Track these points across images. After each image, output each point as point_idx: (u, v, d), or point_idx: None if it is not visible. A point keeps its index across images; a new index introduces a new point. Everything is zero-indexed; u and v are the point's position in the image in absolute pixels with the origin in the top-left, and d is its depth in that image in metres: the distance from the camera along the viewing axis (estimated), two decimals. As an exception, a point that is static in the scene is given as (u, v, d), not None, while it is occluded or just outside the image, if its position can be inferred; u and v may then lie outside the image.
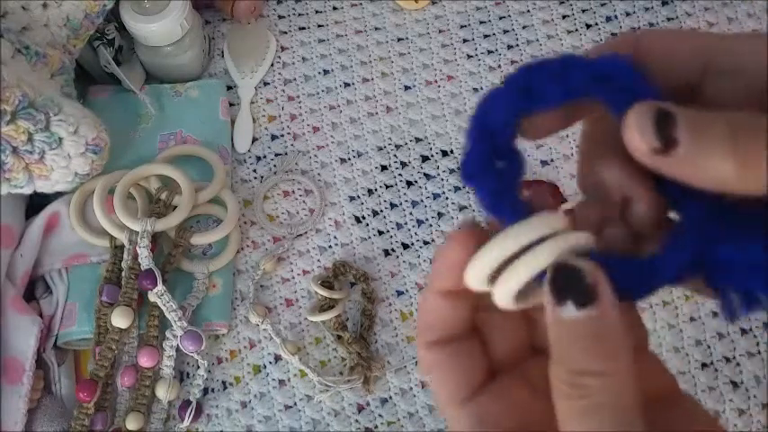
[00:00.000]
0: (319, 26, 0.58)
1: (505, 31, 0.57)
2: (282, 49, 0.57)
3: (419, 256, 0.50)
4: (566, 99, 0.19)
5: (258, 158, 0.53)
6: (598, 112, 0.21)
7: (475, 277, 0.19)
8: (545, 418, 0.18)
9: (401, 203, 0.51)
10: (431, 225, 0.51)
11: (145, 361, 0.44)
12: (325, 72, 0.56)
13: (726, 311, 0.17)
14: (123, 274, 0.46)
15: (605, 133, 0.21)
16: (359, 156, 0.53)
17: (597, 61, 0.19)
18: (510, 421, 0.20)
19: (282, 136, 0.54)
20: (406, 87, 0.55)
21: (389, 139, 0.53)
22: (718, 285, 0.17)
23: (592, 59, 0.19)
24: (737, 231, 0.18)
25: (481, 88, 0.55)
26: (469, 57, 0.56)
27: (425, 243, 0.50)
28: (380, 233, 0.50)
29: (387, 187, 0.52)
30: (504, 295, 0.18)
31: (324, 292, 0.46)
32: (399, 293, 0.49)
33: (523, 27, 0.58)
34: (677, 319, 0.48)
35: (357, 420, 0.46)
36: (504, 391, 0.20)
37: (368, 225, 0.51)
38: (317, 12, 0.58)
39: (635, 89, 0.19)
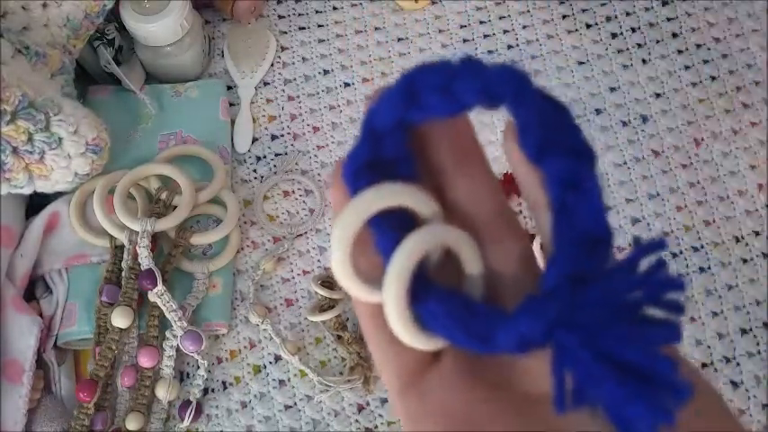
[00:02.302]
0: (319, 26, 0.58)
1: (505, 31, 0.57)
2: (282, 49, 0.57)
3: (419, 256, 0.50)
4: (452, 112, 0.17)
5: (258, 158, 0.53)
6: None
7: (338, 269, 0.17)
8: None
9: (401, 203, 0.51)
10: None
11: (145, 361, 0.44)
12: (325, 72, 0.56)
13: (555, 397, 0.15)
14: (123, 274, 0.46)
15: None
16: (359, 156, 0.53)
17: (486, 73, 0.17)
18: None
19: (282, 136, 0.54)
20: (406, 87, 0.55)
21: (389, 139, 0.53)
22: (556, 369, 0.15)
23: (483, 69, 0.17)
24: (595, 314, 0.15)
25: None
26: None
27: (425, 243, 0.50)
28: (380, 233, 0.50)
29: (387, 187, 0.52)
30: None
31: (324, 292, 0.46)
32: (399, 293, 0.49)
33: (523, 27, 0.58)
34: (677, 319, 0.48)
35: (357, 420, 0.46)
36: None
37: (368, 225, 0.51)
38: (317, 12, 0.58)
39: (526, 104, 0.17)
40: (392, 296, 0.17)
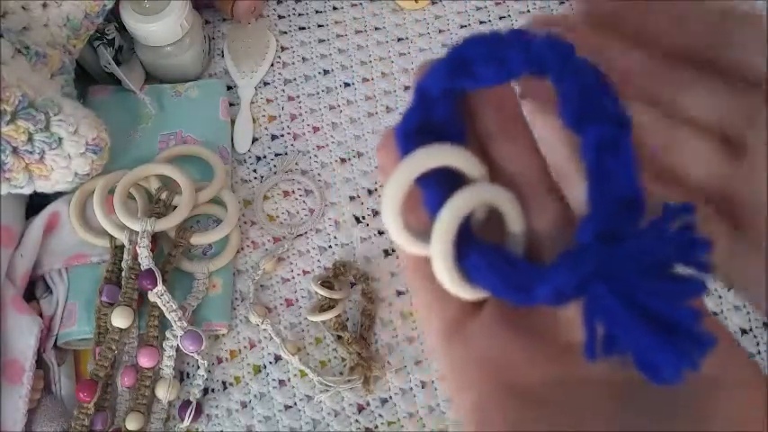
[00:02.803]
0: (319, 26, 0.58)
1: (505, 31, 0.57)
2: (282, 49, 0.57)
3: (419, 256, 0.50)
4: (502, 80, 0.18)
5: (258, 158, 0.53)
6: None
7: (389, 222, 0.18)
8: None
9: (401, 203, 0.51)
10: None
11: (145, 361, 0.44)
12: (325, 72, 0.56)
13: (586, 345, 0.16)
14: (123, 274, 0.46)
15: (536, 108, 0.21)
16: (359, 156, 0.53)
17: (535, 44, 0.18)
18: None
19: (282, 136, 0.54)
20: (406, 87, 0.55)
21: (389, 139, 0.53)
22: (587, 319, 0.16)
23: (531, 39, 0.18)
24: (627, 269, 0.16)
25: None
26: (469, 57, 0.56)
27: (425, 243, 0.50)
28: (380, 233, 0.50)
29: (387, 187, 0.52)
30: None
31: (324, 292, 0.46)
32: (399, 293, 0.49)
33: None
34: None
35: (357, 420, 0.46)
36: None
37: (368, 225, 0.51)
38: (317, 12, 0.58)
39: (571, 75, 0.18)
40: (439, 249, 0.18)
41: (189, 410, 0.44)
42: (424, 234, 0.19)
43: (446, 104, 0.19)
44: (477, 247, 0.18)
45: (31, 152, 0.41)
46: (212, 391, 0.46)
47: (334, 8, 0.58)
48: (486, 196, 0.18)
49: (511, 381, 0.18)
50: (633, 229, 0.17)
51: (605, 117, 0.18)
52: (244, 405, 0.46)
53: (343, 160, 0.53)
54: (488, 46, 0.18)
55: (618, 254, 0.16)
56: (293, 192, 0.52)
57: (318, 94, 0.55)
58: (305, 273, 0.49)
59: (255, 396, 0.46)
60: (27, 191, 0.44)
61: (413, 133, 0.19)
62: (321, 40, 0.57)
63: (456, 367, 0.19)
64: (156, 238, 0.47)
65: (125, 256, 0.46)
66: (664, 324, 0.16)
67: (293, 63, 0.56)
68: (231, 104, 0.54)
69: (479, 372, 0.19)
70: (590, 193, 0.17)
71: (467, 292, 0.18)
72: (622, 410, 0.17)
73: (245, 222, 0.51)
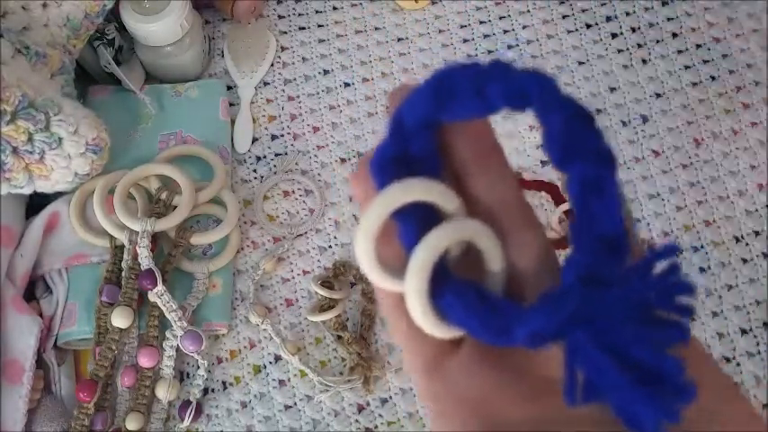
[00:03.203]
0: (319, 26, 0.58)
1: (505, 31, 0.57)
2: (282, 49, 0.57)
3: (419, 256, 0.50)
4: (482, 114, 0.18)
5: (258, 158, 0.53)
6: None
7: (362, 259, 0.18)
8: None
9: (401, 203, 0.51)
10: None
11: (145, 361, 0.44)
12: (325, 72, 0.56)
13: (566, 391, 0.16)
14: (123, 274, 0.46)
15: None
16: (359, 156, 0.53)
17: (515, 77, 0.17)
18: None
19: (282, 136, 0.54)
20: (406, 87, 0.55)
21: (389, 139, 0.53)
22: (568, 364, 0.16)
23: (512, 73, 0.18)
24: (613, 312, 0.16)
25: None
26: (469, 57, 0.56)
27: (425, 243, 0.50)
28: (380, 233, 0.50)
29: (387, 187, 0.52)
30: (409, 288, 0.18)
31: (324, 292, 0.46)
32: (399, 293, 0.49)
33: (523, 27, 0.58)
34: (677, 319, 0.48)
35: (357, 420, 0.46)
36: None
37: (368, 225, 0.51)
38: (317, 12, 0.58)
39: (553, 109, 0.17)
40: (413, 288, 0.17)
41: (189, 410, 0.44)
42: (398, 270, 0.18)
43: (423, 136, 0.19)
44: (452, 285, 0.18)
45: (31, 152, 0.41)
46: (212, 391, 0.46)
47: (334, 8, 0.58)
48: (464, 233, 0.18)
49: (492, 418, 0.18)
50: (616, 271, 0.17)
51: (590, 154, 0.17)
52: (244, 405, 0.46)
53: (343, 160, 0.53)
54: (468, 77, 0.18)
55: (600, 297, 0.16)
56: (293, 192, 0.52)
57: (318, 94, 0.55)
58: (305, 273, 0.49)
59: (255, 396, 0.46)
60: (27, 191, 0.44)
61: (388, 165, 0.18)
62: (321, 40, 0.57)
63: (437, 402, 0.19)
64: (156, 238, 0.47)
65: (125, 256, 0.46)
66: (646, 373, 0.15)
67: (293, 63, 0.56)
68: (231, 104, 0.54)
69: (460, 409, 0.18)
70: (574, 232, 0.17)
71: (442, 332, 0.18)
72: None
73: (245, 222, 0.51)
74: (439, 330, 0.18)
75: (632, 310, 0.16)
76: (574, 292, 0.16)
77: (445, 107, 0.18)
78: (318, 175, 0.52)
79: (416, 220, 0.18)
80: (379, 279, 0.18)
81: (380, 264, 0.18)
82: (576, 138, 0.17)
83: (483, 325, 0.17)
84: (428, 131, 0.19)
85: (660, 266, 0.17)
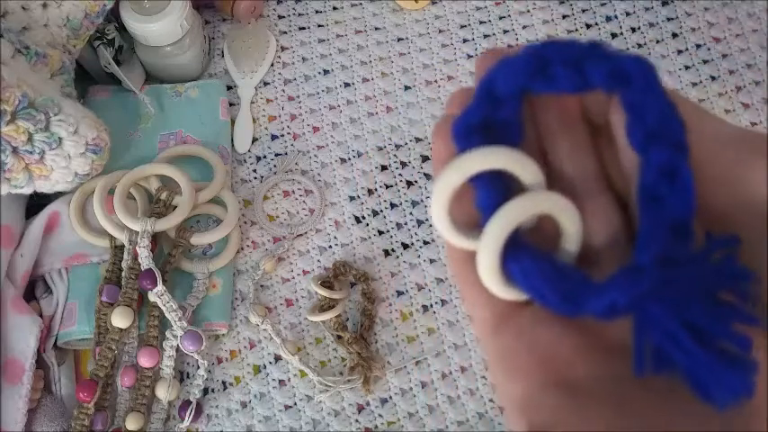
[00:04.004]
0: (319, 26, 0.58)
1: (505, 31, 0.57)
2: (282, 49, 0.57)
3: (419, 256, 0.50)
4: (578, 89, 0.18)
5: (258, 158, 0.53)
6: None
7: (436, 217, 0.18)
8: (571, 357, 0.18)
9: (401, 203, 0.51)
10: (431, 225, 0.51)
11: (145, 361, 0.44)
12: (325, 72, 0.56)
13: (636, 362, 0.17)
14: (123, 274, 0.46)
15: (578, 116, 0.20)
16: (359, 156, 0.53)
17: (618, 58, 0.18)
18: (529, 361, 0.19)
19: (282, 136, 0.54)
20: (406, 87, 0.55)
21: (389, 139, 0.53)
22: (638, 335, 0.17)
23: (613, 53, 0.18)
24: (685, 292, 0.17)
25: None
26: (469, 57, 0.56)
27: (425, 243, 0.50)
28: (380, 233, 0.50)
29: (387, 187, 0.52)
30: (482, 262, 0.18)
31: (324, 292, 0.46)
32: (399, 293, 0.49)
33: (523, 27, 0.58)
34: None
35: (357, 420, 0.46)
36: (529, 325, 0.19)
37: (368, 225, 0.51)
38: (317, 12, 0.58)
39: (651, 94, 0.18)
40: (487, 254, 0.18)
41: (189, 410, 0.44)
42: (470, 229, 0.19)
43: (512, 104, 0.19)
44: (528, 251, 0.18)
45: (31, 152, 0.41)
46: (212, 391, 0.46)
47: (334, 8, 0.58)
48: (546, 207, 0.18)
49: (561, 373, 0.18)
50: (685, 254, 0.17)
51: (673, 143, 0.18)
52: (244, 405, 0.46)
53: (343, 160, 0.53)
54: (569, 52, 0.18)
55: (672, 277, 0.17)
56: (293, 192, 0.52)
57: (318, 94, 0.55)
58: (305, 273, 0.49)
59: (255, 396, 0.46)
60: (27, 191, 0.44)
61: (473, 130, 0.19)
62: (321, 40, 0.57)
63: (505, 357, 0.19)
64: (156, 238, 0.47)
65: (125, 256, 0.46)
66: (717, 348, 0.16)
67: (293, 63, 0.56)
68: (231, 104, 0.54)
69: (530, 362, 0.18)
70: (645, 214, 0.18)
71: (509, 294, 0.18)
72: (669, 410, 0.17)
73: (245, 222, 0.51)
74: (506, 293, 0.18)
75: (702, 289, 0.17)
76: (649, 270, 0.17)
77: (542, 78, 0.18)
78: (318, 175, 0.52)
79: (495, 187, 0.18)
80: (452, 237, 0.19)
81: (453, 221, 0.18)
82: (665, 125, 0.18)
83: (556, 293, 0.17)
84: (517, 100, 0.19)
85: (719, 254, 0.17)
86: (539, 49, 0.18)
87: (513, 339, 0.19)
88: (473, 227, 0.19)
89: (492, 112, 0.19)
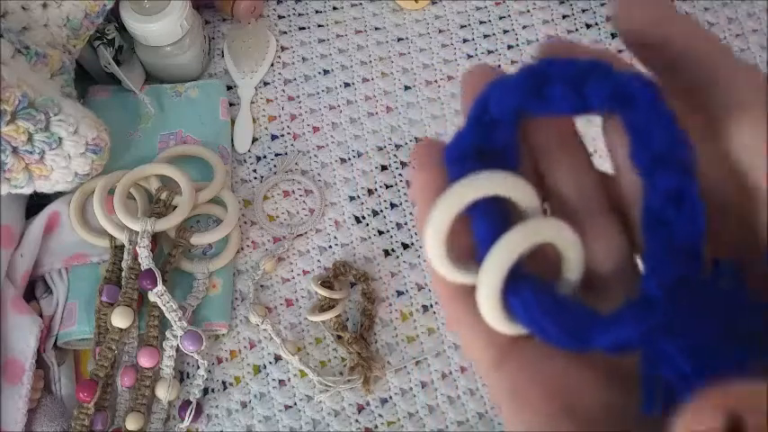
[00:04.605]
0: (319, 26, 0.58)
1: (505, 31, 0.57)
2: (282, 49, 0.57)
3: (419, 256, 0.50)
4: (576, 112, 0.17)
5: (258, 158, 0.53)
6: None
7: (434, 252, 0.17)
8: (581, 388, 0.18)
9: (401, 203, 0.51)
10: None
11: (145, 361, 0.44)
12: (325, 72, 0.56)
13: (646, 401, 0.16)
14: (123, 274, 0.46)
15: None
16: (359, 156, 0.53)
17: (621, 77, 0.17)
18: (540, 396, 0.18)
19: (282, 136, 0.54)
20: (406, 87, 0.55)
21: (389, 139, 0.53)
22: (647, 373, 0.16)
23: (616, 73, 0.17)
24: (699, 323, 0.16)
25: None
26: (469, 57, 0.56)
27: (425, 243, 0.50)
28: (380, 233, 0.50)
29: (387, 187, 0.52)
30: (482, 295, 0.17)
31: (324, 292, 0.46)
32: (399, 293, 0.49)
33: (523, 27, 0.58)
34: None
35: (357, 420, 0.46)
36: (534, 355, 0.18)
37: (368, 225, 0.51)
38: (317, 12, 0.58)
39: (656, 117, 0.17)
40: (488, 289, 0.17)
41: (189, 410, 0.44)
42: (465, 262, 0.18)
43: (507, 127, 0.18)
44: (529, 284, 0.17)
45: (31, 152, 0.41)
46: (212, 391, 0.46)
47: (334, 8, 0.58)
48: (547, 236, 0.17)
49: (571, 404, 0.17)
50: (696, 283, 0.16)
51: (680, 165, 0.17)
52: (244, 405, 0.46)
53: (343, 160, 0.53)
54: (567, 72, 0.17)
55: (684, 310, 0.16)
56: (293, 192, 0.52)
57: (318, 94, 0.55)
58: (305, 273, 0.49)
59: (255, 396, 0.46)
60: (27, 191, 0.44)
61: (467, 156, 0.18)
62: (321, 40, 0.57)
63: (512, 391, 0.18)
64: (156, 238, 0.47)
65: (125, 256, 0.46)
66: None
67: (293, 63, 0.56)
68: (231, 104, 0.54)
69: (539, 395, 0.18)
70: (652, 239, 0.17)
71: (509, 329, 0.18)
72: None
73: (245, 222, 0.51)
74: (508, 328, 0.18)
75: (716, 323, 0.16)
76: (660, 301, 0.16)
77: (539, 99, 0.17)
78: (318, 175, 0.52)
79: (493, 216, 0.17)
80: (448, 273, 0.18)
81: (450, 257, 0.17)
82: (672, 149, 0.17)
83: (561, 329, 0.17)
84: (513, 122, 0.18)
85: (726, 280, 0.16)
86: (536, 68, 0.17)
87: (519, 373, 0.18)
88: (467, 259, 0.18)
89: (486, 136, 0.18)
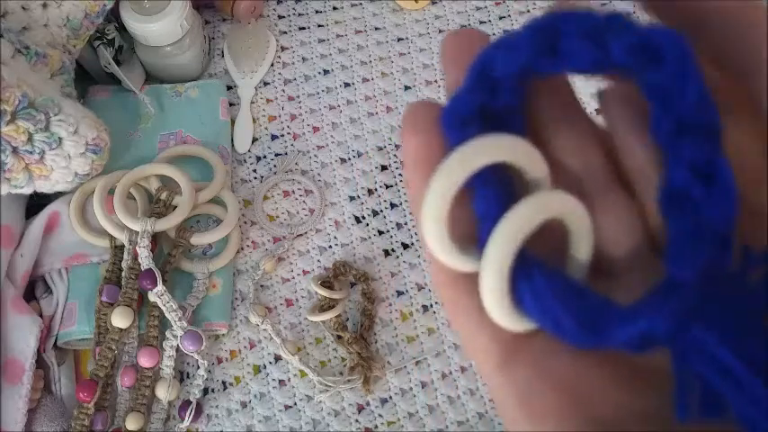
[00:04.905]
0: (319, 26, 0.58)
1: (505, 31, 0.57)
2: (282, 49, 0.57)
3: (419, 256, 0.50)
4: (597, 68, 0.15)
5: (258, 158, 0.53)
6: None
7: (433, 232, 0.15)
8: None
9: (401, 203, 0.51)
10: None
11: (145, 361, 0.44)
12: (325, 72, 0.56)
13: (679, 405, 0.13)
14: (123, 274, 0.46)
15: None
16: (359, 156, 0.53)
17: (646, 30, 0.15)
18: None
19: (282, 136, 0.54)
20: (406, 87, 0.55)
21: (389, 139, 0.53)
22: (680, 370, 0.14)
23: (639, 26, 0.15)
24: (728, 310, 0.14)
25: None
26: (469, 57, 0.56)
27: (425, 243, 0.50)
28: (380, 233, 0.51)
29: (387, 187, 0.52)
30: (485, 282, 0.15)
31: (324, 292, 0.46)
32: (399, 293, 0.49)
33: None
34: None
35: (357, 420, 0.46)
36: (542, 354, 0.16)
37: (368, 225, 0.51)
38: (317, 12, 0.58)
39: (685, 76, 0.14)
40: (493, 276, 0.14)
41: (189, 410, 0.44)
42: (467, 245, 0.15)
43: (513, 88, 0.15)
44: (539, 268, 0.15)
45: (31, 152, 0.41)
46: (212, 391, 0.46)
47: (334, 8, 0.58)
48: (556, 211, 0.15)
49: (589, 408, 0.15)
50: (727, 270, 0.14)
51: (711, 134, 0.14)
52: (244, 405, 0.46)
53: (343, 160, 0.53)
54: (585, 24, 0.15)
55: (720, 297, 0.14)
56: (293, 192, 0.52)
57: (318, 94, 0.55)
58: (305, 273, 0.49)
59: (255, 396, 0.46)
60: (27, 191, 0.44)
61: (469, 120, 0.15)
62: (321, 40, 0.57)
63: (523, 396, 0.16)
64: (156, 238, 0.47)
65: (125, 256, 0.46)
66: None
67: (293, 63, 0.56)
68: (231, 104, 0.54)
69: (553, 398, 0.15)
70: (678, 220, 0.15)
71: (518, 324, 0.15)
72: None
73: (245, 222, 0.51)
74: (515, 322, 0.15)
75: (754, 313, 0.14)
76: (689, 287, 0.14)
77: (552, 57, 0.15)
78: (318, 175, 0.52)
79: (496, 189, 0.15)
80: (449, 258, 0.15)
81: (452, 240, 0.15)
82: (701, 115, 0.14)
83: (576, 321, 0.14)
84: (520, 83, 0.15)
85: (757, 271, 0.14)
86: (546, 22, 0.15)
87: (531, 372, 0.16)
88: (467, 241, 0.15)
89: (489, 98, 0.15)
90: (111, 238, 0.46)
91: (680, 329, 0.14)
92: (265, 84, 0.55)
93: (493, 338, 0.16)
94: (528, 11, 0.58)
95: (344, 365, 0.47)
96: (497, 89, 0.15)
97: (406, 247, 0.50)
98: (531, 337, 0.16)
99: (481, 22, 0.58)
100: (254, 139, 0.53)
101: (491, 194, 0.15)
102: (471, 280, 0.15)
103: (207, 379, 0.46)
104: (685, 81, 0.14)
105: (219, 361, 0.47)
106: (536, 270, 0.15)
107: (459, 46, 0.16)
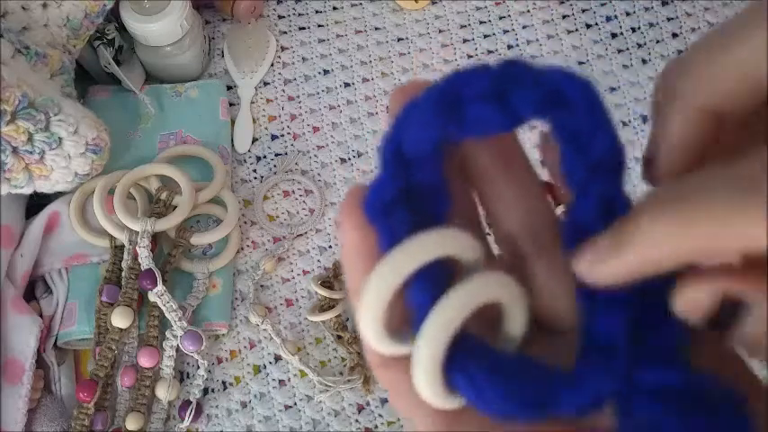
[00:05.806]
0: (319, 26, 0.58)
1: (505, 31, 0.57)
2: (282, 49, 0.57)
3: (419, 256, 0.50)
4: (504, 127, 0.14)
5: (258, 158, 0.53)
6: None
7: (372, 330, 0.15)
8: None
9: (401, 203, 0.51)
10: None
11: (145, 361, 0.44)
12: (326, 72, 0.56)
13: None
14: (123, 274, 0.46)
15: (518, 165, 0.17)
16: (359, 156, 0.53)
17: (547, 75, 0.14)
18: None
19: (282, 136, 0.54)
20: (406, 87, 0.55)
21: (389, 139, 0.53)
22: (626, 415, 0.14)
23: (538, 71, 0.14)
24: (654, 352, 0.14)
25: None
26: (469, 57, 0.56)
27: (425, 243, 0.50)
28: (380, 233, 0.50)
29: (387, 187, 0.52)
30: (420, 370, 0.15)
31: (324, 292, 0.46)
32: (399, 293, 0.49)
33: (523, 27, 0.58)
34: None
35: (357, 420, 0.46)
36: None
37: (368, 225, 0.51)
38: (317, 12, 0.58)
39: (595, 119, 0.14)
40: (425, 364, 0.15)
41: (189, 410, 0.44)
42: (400, 331, 0.15)
43: (427, 163, 0.15)
44: (474, 355, 0.15)
45: (31, 152, 0.41)
46: (212, 391, 0.46)
47: (334, 8, 0.58)
48: (488, 296, 0.15)
49: None
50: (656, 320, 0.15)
51: (613, 170, 0.15)
52: (244, 405, 0.46)
53: (343, 160, 0.53)
54: (483, 82, 0.14)
55: (646, 351, 0.14)
56: (293, 192, 0.52)
57: (318, 94, 0.55)
58: (305, 273, 0.49)
59: (255, 396, 0.46)
60: (27, 191, 0.44)
61: (392, 205, 0.15)
62: (321, 40, 0.57)
63: None
64: (156, 238, 0.47)
65: (125, 256, 0.46)
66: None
67: (293, 63, 0.56)
68: (231, 104, 0.54)
69: None
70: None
71: (452, 404, 0.15)
72: None
73: (245, 222, 0.51)
74: (448, 402, 0.15)
75: (672, 359, 0.14)
76: (620, 346, 0.14)
77: (456, 124, 0.14)
78: (318, 175, 0.52)
79: (430, 277, 0.15)
80: (383, 346, 0.15)
81: (388, 332, 0.15)
82: (612, 156, 0.15)
83: (518, 401, 0.14)
84: (435, 155, 0.15)
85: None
86: (444, 87, 0.14)
87: None
88: (401, 326, 0.15)
89: (408, 177, 0.15)
90: (111, 238, 0.46)
91: (621, 388, 0.14)
92: (265, 84, 0.55)
93: (430, 411, 0.16)
94: (528, 11, 0.58)
95: (344, 365, 0.47)
96: (414, 167, 0.15)
97: (406, 247, 0.50)
98: (464, 412, 0.16)
99: (481, 22, 0.58)
100: (254, 139, 0.53)
101: (423, 286, 0.15)
102: (407, 360, 0.15)
103: (207, 379, 0.46)
104: (595, 124, 0.14)
105: (219, 361, 0.47)
106: (471, 358, 0.15)
107: (406, 100, 0.16)
